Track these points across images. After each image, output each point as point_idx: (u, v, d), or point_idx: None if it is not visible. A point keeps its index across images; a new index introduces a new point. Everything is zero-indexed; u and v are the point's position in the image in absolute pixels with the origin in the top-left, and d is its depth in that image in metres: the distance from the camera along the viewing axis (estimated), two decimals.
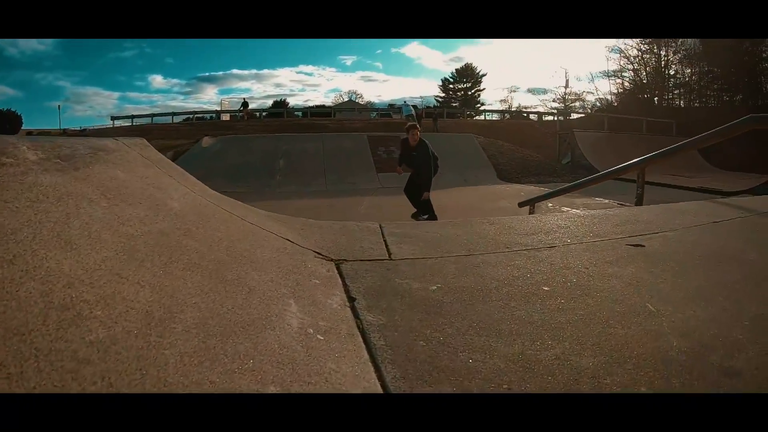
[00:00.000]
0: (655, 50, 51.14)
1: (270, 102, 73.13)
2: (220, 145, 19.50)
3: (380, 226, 2.87)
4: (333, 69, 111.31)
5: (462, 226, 3.01)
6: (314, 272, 2.01)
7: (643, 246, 2.49)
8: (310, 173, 17.50)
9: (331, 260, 2.18)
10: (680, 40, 51.09)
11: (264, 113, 46.83)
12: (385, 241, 2.53)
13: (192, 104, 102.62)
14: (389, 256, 2.30)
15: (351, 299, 1.83)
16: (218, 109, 50.29)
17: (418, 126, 9.23)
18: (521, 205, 8.25)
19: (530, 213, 7.92)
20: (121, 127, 39.29)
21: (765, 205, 3.94)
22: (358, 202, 12.96)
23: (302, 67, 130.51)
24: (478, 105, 63.29)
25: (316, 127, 30.44)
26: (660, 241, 2.60)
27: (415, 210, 9.13)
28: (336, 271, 2.07)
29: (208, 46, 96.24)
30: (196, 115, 45.80)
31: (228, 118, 42.48)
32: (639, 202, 5.90)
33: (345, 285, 1.95)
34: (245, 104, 41.32)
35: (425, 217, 8.58)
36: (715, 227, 2.99)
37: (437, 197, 14.12)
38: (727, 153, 37.48)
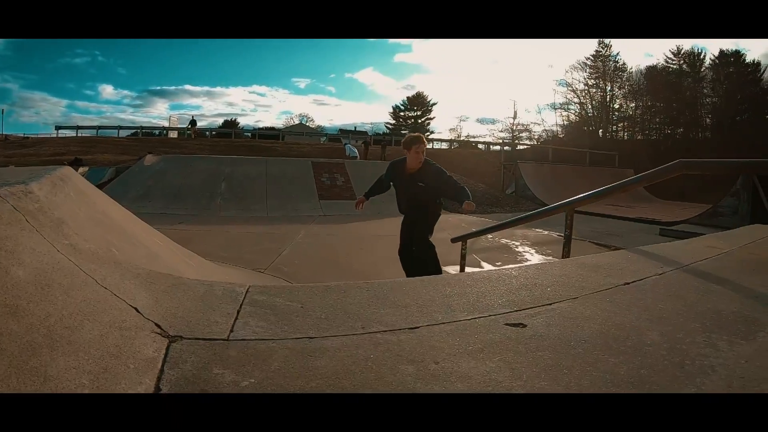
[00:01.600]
0: (601, 85, 52.90)
1: (221, 121, 73.10)
2: (163, 164, 19.03)
3: (246, 291, 2.51)
4: (286, 91, 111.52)
5: (332, 292, 2.65)
6: (136, 354, 1.74)
7: (524, 325, 2.20)
8: (252, 198, 17.16)
9: (167, 337, 1.93)
10: (625, 75, 53.29)
11: (213, 132, 46.39)
12: (238, 312, 2.25)
13: (141, 118, 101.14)
14: (228, 335, 1.99)
15: (158, 390, 1.60)
16: (167, 125, 49.42)
17: (424, 140, 6.04)
18: (454, 240, 7.95)
19: (462, 250, 7.81)
20: (65, 138, 38.27)
21: (692, 252, 3.84)
22: (296, 230, 12.67)
23: (255, 87, 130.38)
24: (428, 133, 64.19)
25: (263, 150, 30.25)
26: (547, 317, 2.30)
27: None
28: (164, 353, 1.80)
29: (162, 58, 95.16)
30: (143, 130, 45.11)
31: (176, 136, 41.87)
32: (566, 243, 5.80)
33: (162, 372, 1.70)
34: (193, 122, 41.02)
35: None
36: (622, 292, 2.71)
37: (375, 227, 14.09)
38: (668, 183, 38.61)
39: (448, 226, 14.92)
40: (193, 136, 38.44)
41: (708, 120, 50.22)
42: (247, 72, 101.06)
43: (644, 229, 16.46)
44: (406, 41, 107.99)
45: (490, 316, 2.32)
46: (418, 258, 6.20)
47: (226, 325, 2.07)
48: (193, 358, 1.78)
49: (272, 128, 56.96)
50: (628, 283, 2.87)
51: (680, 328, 2.22)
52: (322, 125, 71.38)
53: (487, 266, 9.62)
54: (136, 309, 2.12)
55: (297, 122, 68.93)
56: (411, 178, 5.97)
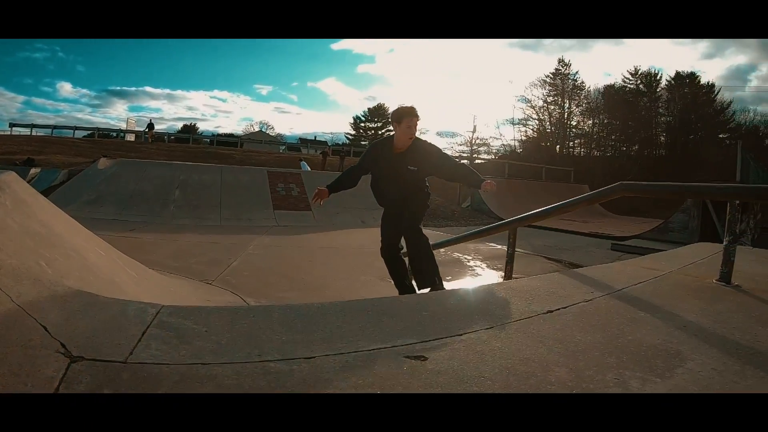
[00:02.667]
0: (560, 102, 54.08)
1: (180, 125, 72.26)
2: (117, 169, 18.50)
3: (157, 312, 2.45)
4: (248, 97, 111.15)
5: (242, 316, 2.60)
6: (36, 373, 1.72)
7: (425, 358, 2.11)
8: (206, 206, 16.85)
9: (70, 357, 1.92)
10: (583, 93, 54.64)
11: (171, 137, 45.82)
12: (143, 334, 2.22)
13: (99, 118, 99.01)
14: (127, 358, 1.92)
15: None
16: (125, 127, 48.49)
17: (417, 114, 4.91)
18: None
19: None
20: (19, 136, 37.38)
21: (629, 275, 3.82)
22: (249, 240, 12.51)
23: (217, 92, 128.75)
24: None
25: (221, 157, 30.01)
26: (452, 349, 2.21)
27: (404, 284, 5.41)
28: (63, 373, 1.78)
29: (124, 57, 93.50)
30: (100, 132, 44.37)
31: (133, 139, 41.19)
32: (509, 262, 5.89)
33: (56, 391, 1.68)
34: (151, 126, 40.55)
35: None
36: (541, 321, 2.60)
37: (328, 239, 14.07)
38: (622, 198, 39.79)
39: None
40: (150, 140, 37.91)
41: (663, 138, 51.98)
42: (209, 76, 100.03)
43: (597, 243, 16.76)
44: (370, 52, 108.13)
45: (393, 347, 2.24)
46: (412, 256, 5.11)
47: (128, 347, 2.06)
48: (88, 379, 1.77)
49: (231, 135, 56.79)
50: (551, 311, 2.78)
51: (593, 363, 2.13)
52: (283, 134, 71.07)
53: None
54: (44, 328, 2.12)
55: (257, 129, 68.62)
56: (399, 161, 4.95)
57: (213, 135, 54.78)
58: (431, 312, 2.74)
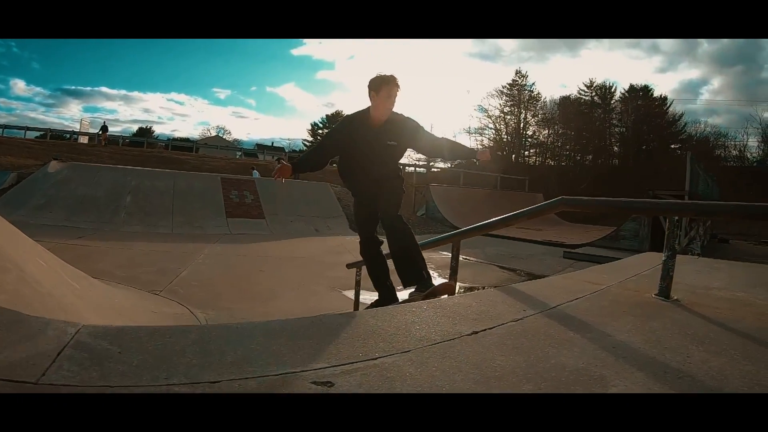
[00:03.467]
0: (516, 112, 55.06)
1: (135, 127, 70.75)
2: (68, 172, 17.93)
3: (76, 332, 2.37)
4: (205, 101, 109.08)
5: (158, 335, 2.37)
6: None
7: (332, 384, 2.06)
8: (158, 213, 16.52)
9: None
10: (539, 104, 55.82)
11: (126, 140, 44.94)
12: (58, 354, 2.18)
13: (53, 118, 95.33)
14: (38, 379, 1.87)
15: None
16: (78, 128, 47.05)
17: (398, 83, 4.29)
18: (349, 266, 7.84)
19: (357, 276, 7.86)
20: None
21: (567, 290, 3.72)
22: (200, 249, 12.38)
23: (174, 95, 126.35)
24: None
25: (175, 162, 29.56)
26: (363, 375, 2.12)
27: (385, 285, 4.71)
28: None
29: (80, 55, 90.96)
30: (52, 133, 43.18)
31: (86, 141, 39.98)
32: (452, 275, 5.86)
33: None
34: (105, 128, 39.35)
35: (421, 291, 4.01)
36: (463, 344, 2.47)
37: (281, 248, 14.02)
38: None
39: (353, 247, 15.02)
40: (103, 142, 36.89)
41: (616, 148, 53.45)
42: (167, 78, 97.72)
43: (550, 251, 17.08)
44: (330, 58, 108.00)
45: (302, 371, 2.15)
46: (394, 247, 4.30)
47: (41, 368, 2.02)
48: None
49: (187, 139, 55.80)
50: (477, 332, 2.65)
51: (507, 391, 2.04)
52: (240, 139, 70.35)
53: None
54: None
55: (214, 134, 67.55)
56: (378, 136, 4.33)
57: (168, 139, 53.69)
58: (351, 334, 2.63)
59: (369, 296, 9.20)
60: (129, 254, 11.18)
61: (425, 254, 4.36)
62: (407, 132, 4.41)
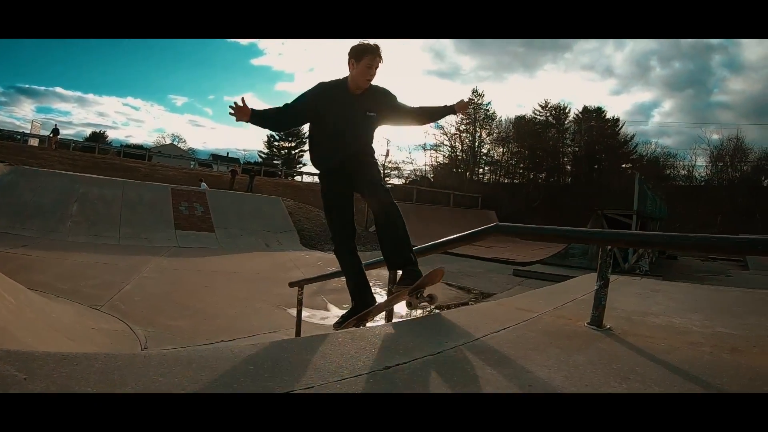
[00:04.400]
0: (471, 130, 56.03)
1: (89, 131, 69.03)
2: (13, 177, 17.26)
3: None
4: (162, 107, 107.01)
5: (67, 362, 2.26)
6: None
7: None
8: (105, 223, 16.11)
9: None
10: (495, 123, 56.97)
11: (77, 144, 43.81)
12: None
13: (4, 117, 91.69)
14: None
15: None
16: (29, 129, 45.55)
17: (381, 54, 3.92)
18: (292, 285, 7.83)
19: (299, 294, 7.86)
20: None
21: (497, 318, 3.56)
22: (146, 262, 12.21)
23: (130, 100, 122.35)
24: (300, 165, 64.94)
25: (127, 170, 29.05)
26: None
27: (365, 293, 4.09)
28: None
29: (37, 53, 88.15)
30: (1, 133, 41.79)
31: (36, 144, 38.76)
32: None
33: None
34: (56, 131, 38.09)
35: (407, 284, 3.59)
36: (369, 383, 2.30)
37: (228, 263, 13.95)
38: (525, 223, 41.69)
39: (303, 263, 15.11)
40: (53, 146, 35.82)
41: (569, 167, 54.87)
42: (124, 81, 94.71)
43: (500, 269, 17.35)
44: (289, 69, 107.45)
45: None
46: (381, 223, 3.85)
47: None
48: None
49: (140, 146, 54.97)
50: (389, 368, 2.50)
51: None
52: (195, 148, 69.46)
53: (334, 309, 9.77)
54: None
55: (169, 142, 66.17)
56: (355, 105, 3.93)
57: (121, 145, 52.73)
58: (257, 363, 2.45)
59: (312, 313, 9.29)
60: (72, 266, 10.98)
61: (374, 270, 4.34)
62: (387, 102, 4.05)
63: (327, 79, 4.07)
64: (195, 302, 9.25)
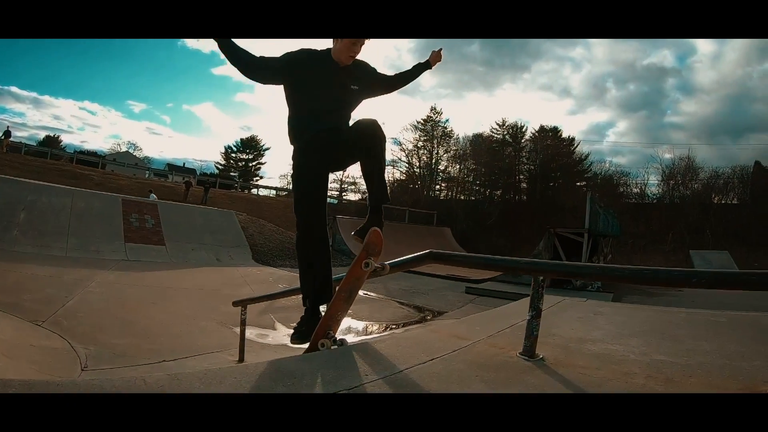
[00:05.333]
0: (429, 147, 56.72)
1: (43, 135, 67.34)
2: None
3: None
4: (119, 113, 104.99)
5: None
6: None
7: None
8: (53, 234, 15.63)
9: None
10: (452, 140, 57.85)
11: (29, 148, 42.69)
12: None
13: None
14: None
15: None
16: None
17: None
18: (236, 304, 7.84)
19: (242, 314, 7.87)
20: None
21: (429, 347, 3.44)
22: (92, 276, 12.01)
23: (87, 104, 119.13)
24: (257, 178, 64.91)
25: (80, 177, 28.51)
26: None
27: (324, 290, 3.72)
28: None
29: None
30: None
31: None
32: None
33: None
34: (7, 133, 36.99)
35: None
36: None
37: (180, 277, 13.85)
38: (480, 240, 42.74)
39: (254, 279, 15.07)
40: (5, 149, 34.81)
41: (524, 185, 56.10)
42: (82, 84, 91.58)
43: (452, 286, 17.49)
44: (249, 81, 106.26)
45: None
46: (376, 152, 3.54)
47: None
48: None
49: (95, 153, 53.93)
50: None
51: None
52: (151, 156, 68.53)
53: (281, 327, 9.83)
54: None
55: (124, 150, 64.83)
56: (338, 75, 3.67)
57: (75, 151, 51.58)
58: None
59: (260, 333, 9.27)
60: (16, 278, 10.71)
61: None
62: (368, 73, 3.85)
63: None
64: (140, 319, 9.12)
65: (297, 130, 3.73)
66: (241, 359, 7.41)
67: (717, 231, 41.07)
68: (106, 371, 6.32)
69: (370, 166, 3.53)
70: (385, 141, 3.54)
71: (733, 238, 38.58)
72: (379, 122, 3.49)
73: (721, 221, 42.01)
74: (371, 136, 3.46)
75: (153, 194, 26.82)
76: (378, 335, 10.15)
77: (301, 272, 3.77)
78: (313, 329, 3.43)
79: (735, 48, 72.93)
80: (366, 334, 10.54)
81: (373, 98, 3.98)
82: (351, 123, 3.76)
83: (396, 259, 4.75)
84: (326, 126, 3.64)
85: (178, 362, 7.10)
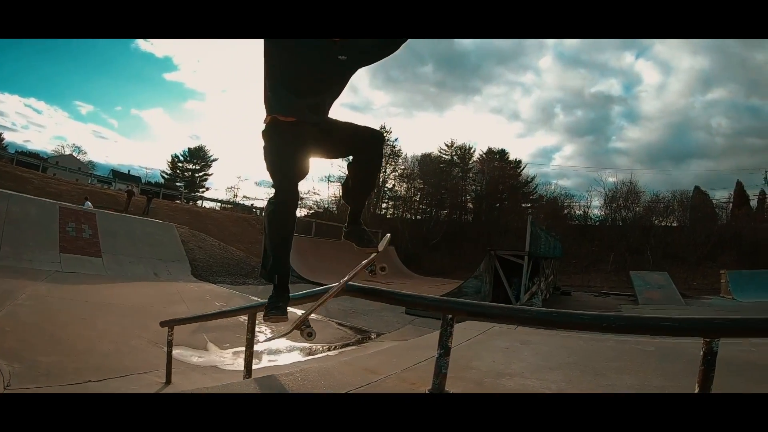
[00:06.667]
0: None
1: None
2: None
3: None
4: (66, 113, 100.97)
5: None
6: None
7: None
8: None
9: None
10: (401, 159, 58.57)
11: None
12: None
13: None
14: None
15: None
16: None
17: None
18: (163, 324, 7.53)
19: (169, 336, 7.64)
20: None
21: (338, 380, 3.55)
22: (23, 287, 11.70)
23: (33, 101, 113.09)
24: (203, 189, 64.22)
25: (18, 180, 27.59)
26: None
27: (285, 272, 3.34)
28: None
29: None
30: None
31: None
32: (248, 347, 5.09)
33: None
34: None
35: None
36: None
37: (114, 292, 13.49)
38: (424, 260, 43.33)
39: (191, 296, 14.92)
40: None
41: (471, 205, 57.25)
42: (29, 80, 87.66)
43: (392, 307, 17.44)
44: (201, 89, 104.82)
45: None
46: (370, 164, 3.56)
47: None
48: None
49: (37, 155, 52.25)
50: None
51: None
52: (96, 161, 66.25)
53: (213, 348, 9.80)
54: None
55: (69, 153, 62.82)
56: (326, 43, 3.24)
57: (17, 151, 49.89)
58: None
59: (191, 353, 9.25)
60: None
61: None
62: (358, 45, 3.38)
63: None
64: (68, 336, 8.97)
65: (276, 98, 3.29)
66: (168, 381, 7.43)
67: (657, 252, 43.13)
68: (30, 391, 6.27)
69: (368, 181, 3.63)
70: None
71: (672, 259, 40.50)
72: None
73: (661, 243, 44.21)
74: (377, 150, 3.46)
75: (88, 201, 26.03)
76: (305, 359, 10.30)
77: (273, 246, 3.27)
78: (287, 305, 3.26)
79: (680, 79, 76.80)
80: (309, 354, 10.70)
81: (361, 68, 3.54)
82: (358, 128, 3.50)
83: (311, 290, 4.68)
84: (306, 101, 3.28)
85: (103, 383, 7.09)
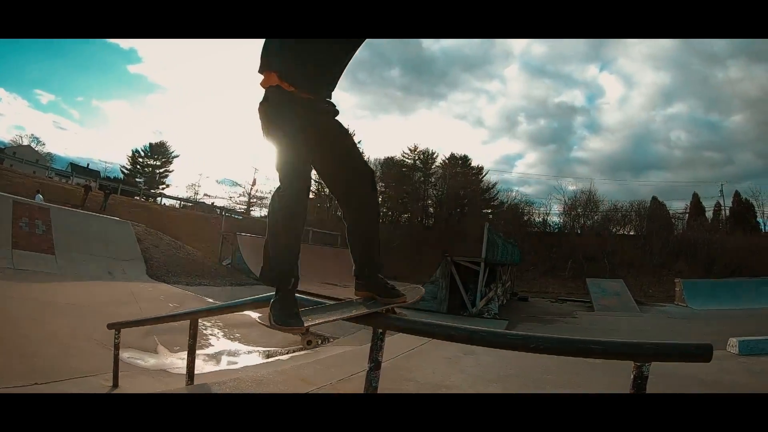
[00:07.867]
0: None
1: None
2: None
3: None
4: (25, 102, 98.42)
5: None
6: None
7: None
8: None
9: None
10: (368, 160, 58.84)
11: None
12: None
13: None
14: None
15: None
16: None
17: None
18: (110, 326, 7.31)
19: (116, 338, 7.55)
20: None
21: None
22: None
23: None
24: (163, 186, 63.44)
25: None
26: None
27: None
28: None
29: None
30: None
31: None
32: (190, 353, 5.03)
33: None
34: None
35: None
36: None
37: (67, 291, 13.30)
38: (387, 263, 43.23)
39: (146, 297, 14.80)
40: None
41: (432, 210, 57.64)
42: None
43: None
44: (165, 83, 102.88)
45: None
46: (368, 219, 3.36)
47: None
48: None
49: None
50: None
51: None
52: (55, 153, 64.70)
53: (163, 351, 9.70)
54: None
55: (26, 143, 61.13)
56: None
57: None
58: None
59: (140, 356, 9.22)
60: None
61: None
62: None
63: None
64: (14, 336, 8.83)
65: (296, 66, 2.84)
66: (115, 385, 7.44)
67: (614, 260, 44.07)
68: None
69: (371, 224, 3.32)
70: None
71: (629, 267, 41.53)
72: None
73: (618, 251, 45.06)
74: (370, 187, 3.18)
75: (40, 195, 25.43)
76: (253, 364, 10.37)
77: (286, 245, 2.91)
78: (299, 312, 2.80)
79: (642, 92, 78.83)
80: (267, 357, 10.73)
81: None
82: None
83: (238, 301, 4.77)
84: (320, 81, 2.99)
85: (49, 386, 7.06)
